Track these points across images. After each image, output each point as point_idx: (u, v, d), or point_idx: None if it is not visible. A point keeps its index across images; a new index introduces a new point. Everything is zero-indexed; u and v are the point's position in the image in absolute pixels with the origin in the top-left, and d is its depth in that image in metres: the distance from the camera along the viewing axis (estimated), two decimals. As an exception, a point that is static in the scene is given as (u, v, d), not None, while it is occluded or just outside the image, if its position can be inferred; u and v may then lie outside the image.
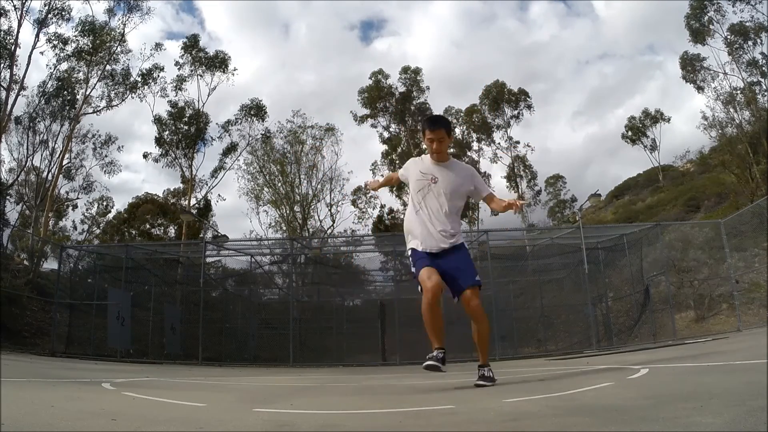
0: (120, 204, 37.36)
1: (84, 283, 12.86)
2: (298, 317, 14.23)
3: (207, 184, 25.82)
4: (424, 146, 3.31)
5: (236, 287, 16.26)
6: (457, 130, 30.09)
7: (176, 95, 24.57)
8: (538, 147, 57.58)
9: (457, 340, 14.33)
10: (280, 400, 2.83)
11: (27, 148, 18.64)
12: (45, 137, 19.00)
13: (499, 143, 29.91)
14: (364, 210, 27.99)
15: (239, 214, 57.87)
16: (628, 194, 35.20)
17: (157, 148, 25.03)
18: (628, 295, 13.53)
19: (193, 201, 25.08)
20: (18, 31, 17.31)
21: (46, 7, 18.71)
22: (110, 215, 29.80)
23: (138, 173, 74.04)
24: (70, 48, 19.71)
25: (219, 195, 38.31)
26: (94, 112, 21.05)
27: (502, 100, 29.78)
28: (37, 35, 18.54)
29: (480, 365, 3.07)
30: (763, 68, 20.86)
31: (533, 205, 30.00)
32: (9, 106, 16.91)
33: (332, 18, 55.09)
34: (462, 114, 30.16)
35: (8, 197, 19.15)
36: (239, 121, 26.01)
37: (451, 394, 2.59)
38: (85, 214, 28.91)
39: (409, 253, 3.18)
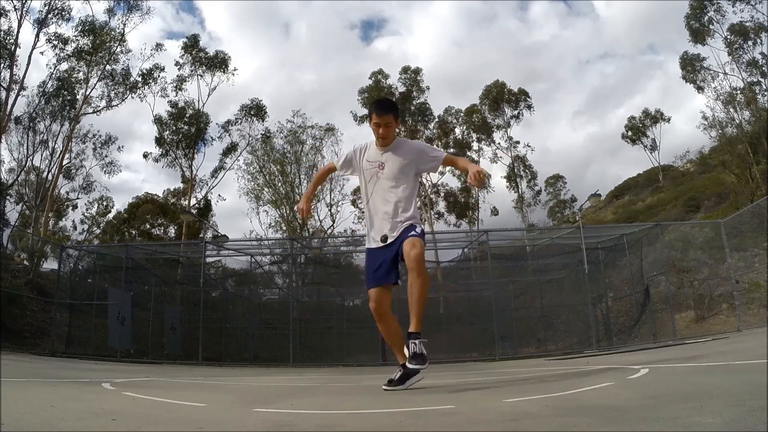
0: (120, 204, 37.44)
1: (84, 283, 12.84)
2: (298, 317, 14.22)
3: (207, 184, 25.93)
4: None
5: (236, 287, 16.24)
6: (457, 130, 30.11)
7: (176, 95, 24.68)
8: (539, 147, 57.90)
9: (455, 340, 14.43)
10: (280, 400, 2.83)
11: (27, 148, 18.70)
12: (45, 137, 19.05)
13: (499, 143, 29.95)
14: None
15: (239, 214, 58.09)
16: (628, 194, 35.28)
17: (157, 148, 25.15)
18: (628, 295, 13.52)
19: (193, 201, 25.14)
20: (18, 31, 17.36)
21: (46, 7, 18.74)
22: (110, 215, 29.95)
23: (138, 173, 74.39)
24: (70, 48, 19.76)
25: (219, 195, 38.48)
26: (94, 112, 21.11)
27: (502, 100, 29.78)
28: (37, 35, 18.58)
29: (410, 332, 2.76)
30: (763, 68, 20.87)
31: (532, 204, 30.01)
32: (9, 106, 16.94)
33: (332, 17, 55.19)
34: (462, 114, 30.16)
35: (8, 197, 19.16)
36: (239, 121, 26.13)
37: (451, 394, 2.59)
38: (85, 214, 29.04)
39: (364, 255, 3.08)
